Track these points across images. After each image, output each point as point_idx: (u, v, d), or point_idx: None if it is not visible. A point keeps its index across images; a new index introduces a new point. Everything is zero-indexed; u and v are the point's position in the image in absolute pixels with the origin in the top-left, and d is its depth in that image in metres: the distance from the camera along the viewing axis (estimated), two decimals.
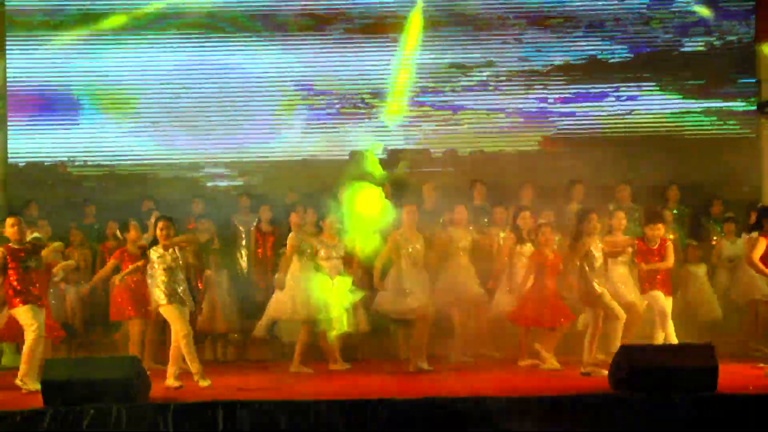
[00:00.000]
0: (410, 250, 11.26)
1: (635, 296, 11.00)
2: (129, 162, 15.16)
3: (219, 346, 12.91)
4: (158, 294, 10.16)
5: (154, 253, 10.25)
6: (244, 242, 13.48)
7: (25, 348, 9.93)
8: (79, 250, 12.98)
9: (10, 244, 10.09)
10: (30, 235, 11.10)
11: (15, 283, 9.98)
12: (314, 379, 10.68)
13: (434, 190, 13.13)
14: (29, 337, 9.90)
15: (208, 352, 12.84)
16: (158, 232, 10.30)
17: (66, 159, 15.11)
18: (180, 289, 10.18)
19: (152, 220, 11.16)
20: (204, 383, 9.92)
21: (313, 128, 15.28)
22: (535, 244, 11.24)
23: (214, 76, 15.22)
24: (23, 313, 9.95)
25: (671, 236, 12.06)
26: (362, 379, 10.56)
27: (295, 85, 15.24)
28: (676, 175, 14.02)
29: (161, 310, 10.20)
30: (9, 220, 10.19)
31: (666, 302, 10.98)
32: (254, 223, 13.38)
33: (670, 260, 11.00)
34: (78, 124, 15.14)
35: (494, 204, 12.63)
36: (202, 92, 15.23)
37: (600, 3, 15.23)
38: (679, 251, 12.62)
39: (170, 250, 10.25)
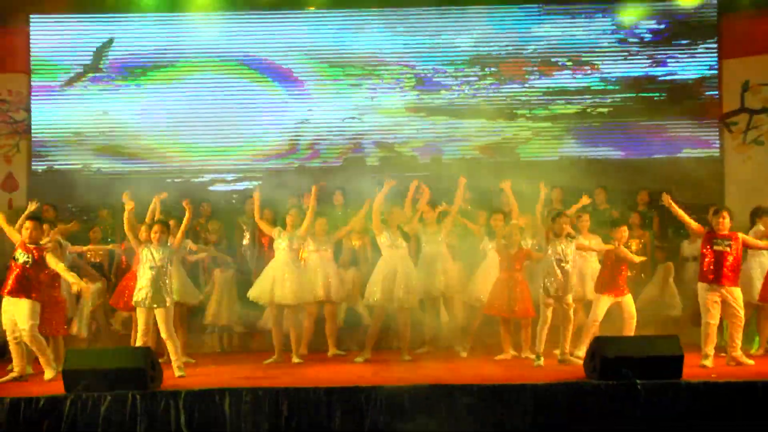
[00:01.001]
0: (392, 246, 11.43)
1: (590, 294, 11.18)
2: (139, 168, 15.20)
3: (225, 338, 12.96)
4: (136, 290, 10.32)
5: (143, 253, 10.35)
6: (248, 242, 13.51)
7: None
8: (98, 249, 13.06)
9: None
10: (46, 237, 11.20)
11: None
12: (313, 368, 10.69)
13: (427, 193, 13.21)
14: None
15: (216, 343, 12.91)
16: (152, 234, 10.38)
17: (81, 166, 15.18)
18: (159, 289, 10.17)
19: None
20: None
21: (306, 138, 15.34)
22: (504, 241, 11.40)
23: (218, 95, 15.34)
24: None
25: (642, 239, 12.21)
26: (356, 368, 10.60)
27: (291, 99, 15.34)
28: (646, 180, 14.12)
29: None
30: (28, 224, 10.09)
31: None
32: (256, 226, 13.38)
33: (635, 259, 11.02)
34: (94, 135, 15.21)
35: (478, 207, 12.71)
36: (206, 107, 15.31)
37: (577, 32, 15.33)
38: (649, 250, 12.75)
39: (158, 251, 10.28)
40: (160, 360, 9.50)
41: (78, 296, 12.20)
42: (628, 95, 15.28)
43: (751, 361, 10.06)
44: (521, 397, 8.51)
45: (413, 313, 11.68)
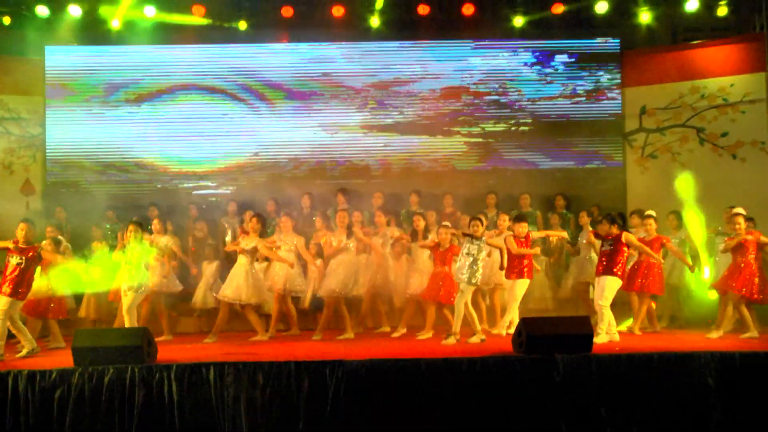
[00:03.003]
0: (339, 246, 11.46)
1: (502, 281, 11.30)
2: (135, 175, 15.04)
3: (212, 320, 12.82)
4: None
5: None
6: (230, 239, 13.37)
7: None
8: (102, 245, 12.87)
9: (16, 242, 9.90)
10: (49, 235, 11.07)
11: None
12: (284, 345, 10.65)
13: (380, 198, 13.19)
14: None
15: (203, 324, 12.78)
16: (127, 234, 10.35)
17: (87, 173, 14.99)
18: (132, 279, 10.23)
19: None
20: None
21: (279, 151, 15.21)
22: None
23: (202, 111, 15.18)
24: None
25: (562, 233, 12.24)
26: (322, 345, 10.55)
27: (263, 118, 15.25)
28: (563, 187, 14.18)
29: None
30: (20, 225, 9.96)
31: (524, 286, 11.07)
32: (238, 224, 13.28)
33: (534, 250, 11.12)
34: (97, 148, 15.04)
35: (428, 209, 12.69)
36: (193, 123, 15.15)
37: (503, 61, 15.38)
38: (566, 245, 12.82)
39: (132, 250, 10.28)
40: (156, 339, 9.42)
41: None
42: (547, 115, 15.33)
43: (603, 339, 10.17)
44: (461, 368, 8.52)
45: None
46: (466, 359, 8.61)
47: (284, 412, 8.35)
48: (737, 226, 10.62)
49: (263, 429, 8.34)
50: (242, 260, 11.31)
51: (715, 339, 10.24)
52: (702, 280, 11.54)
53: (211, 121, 15.13)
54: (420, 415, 8.37)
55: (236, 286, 11.17)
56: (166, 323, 11.83)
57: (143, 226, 10.71)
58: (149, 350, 8.76)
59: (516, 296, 10.86)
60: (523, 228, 10.94)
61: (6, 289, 9.62)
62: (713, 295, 11.57)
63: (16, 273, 9.65)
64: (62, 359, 9.27)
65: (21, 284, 9.67)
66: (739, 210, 10.81)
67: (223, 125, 15.16)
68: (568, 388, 8.43)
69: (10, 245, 9.81)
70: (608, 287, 10.29)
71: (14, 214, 13.05)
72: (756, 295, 10.56)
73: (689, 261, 11.32)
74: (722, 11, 14.46)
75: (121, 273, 10.44)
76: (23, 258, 9.71)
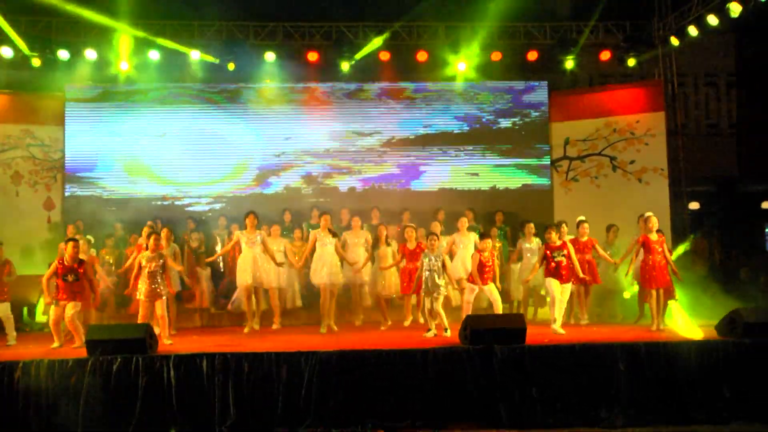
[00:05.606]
0: (325, 244, 11.31)
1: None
2: (142, 194, 14.88)
3: (204, 316, 12.71)
4: (139, 288, 10.06)
5: (143, 258, 10.13)
6: (219, 248, 13.22)
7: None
8: (112, 251, 12.72)
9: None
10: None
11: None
12: (266, 337, 10.54)
13: (348, 213, 13.15)
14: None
15: (197, 320, 12.64)
16: (150, 242, 10.13)
17: (99, 191, 14.81)
18: (156, 287, 9.95)
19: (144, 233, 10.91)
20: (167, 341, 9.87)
21: (260, 173, 15.14)
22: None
23: (197, 140, 15.09)
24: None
25: (497, 244, 12.25)
26: (299, 337, 10.44)
27: (249, 146, 15.18)
28: (501, 205, 14.26)
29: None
30: (70, 243, 9.96)
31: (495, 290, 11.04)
32: (227, 236, 13.17)
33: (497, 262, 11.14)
34: (108, 171, 14.93)
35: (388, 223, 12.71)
36: (189, 150, 15.07)
37: (452, 100, 15.45)
38: (503, 254, 12.85)
39: (154, 257, 10.03)
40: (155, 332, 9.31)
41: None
42: (489, 145, 15.40)
43: (562, 331, 10.21)
44: (415, 357, 8.52)
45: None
46: (420, 350, 8.61)
47: (265, 394, 8.29)
48: (650, 225, 10.73)
49: (248, 409, 8.25)
50: (247, 252, 11.21)
51: (628, 330, 10.33)
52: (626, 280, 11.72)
53: (200, 151, 15.05)
54: (381, 398, 8.34)
55: (250, 271, 11.08)
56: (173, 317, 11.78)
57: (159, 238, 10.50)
58: (151, 342, 8.66)
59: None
60: (487, 244, 10.83)
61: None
62: (627, 295, 11.71)
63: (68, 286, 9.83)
64: (78, 350, 9.23)
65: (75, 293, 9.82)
66: (650, 213, 10.91)
67: (211, 154, 15.08)
68: (505, 373, 8.45)
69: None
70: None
71: (37, 226, 12.89)
72: (664, 286, 10.63)
73: (614, 259, 11.33)
74: (631, 62, 14.76)
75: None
76: (74, 274, 9.82)
